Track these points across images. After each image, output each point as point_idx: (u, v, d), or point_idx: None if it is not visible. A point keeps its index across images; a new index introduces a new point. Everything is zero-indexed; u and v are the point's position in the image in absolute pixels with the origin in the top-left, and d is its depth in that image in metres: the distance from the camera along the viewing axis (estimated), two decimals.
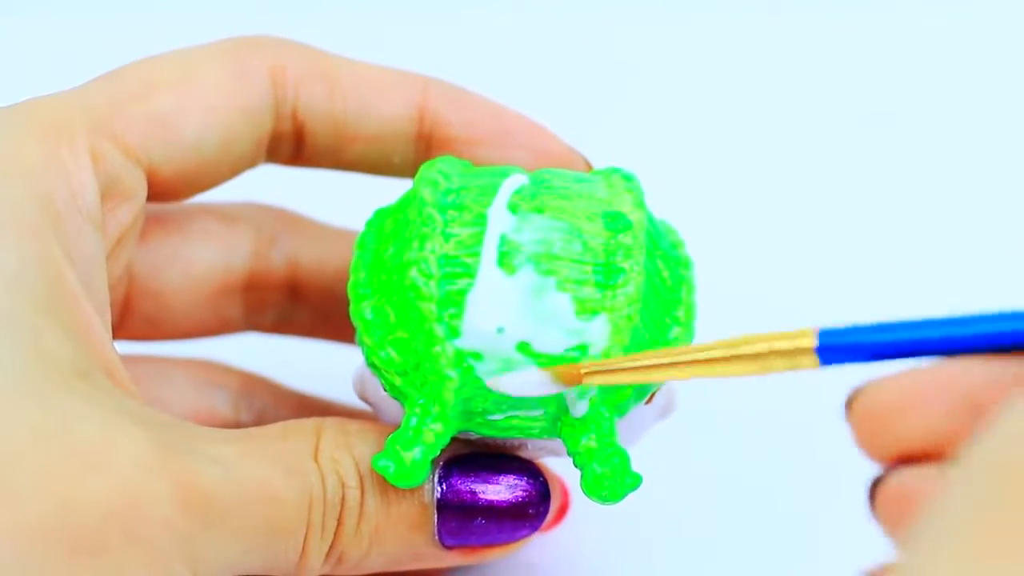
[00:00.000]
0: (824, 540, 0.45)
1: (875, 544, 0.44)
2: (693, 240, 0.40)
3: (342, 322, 0.44)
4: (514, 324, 0.35)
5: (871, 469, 0.46)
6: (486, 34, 0.60)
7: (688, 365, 0.33)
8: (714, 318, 0.41)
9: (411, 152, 0.42)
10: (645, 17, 0.62)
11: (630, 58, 0.61)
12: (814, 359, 0.31)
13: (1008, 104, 0.59)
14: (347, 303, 0.43)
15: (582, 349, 0.35)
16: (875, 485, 0.31)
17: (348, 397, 0.42)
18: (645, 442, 0.40)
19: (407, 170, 0.42)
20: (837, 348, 0.31)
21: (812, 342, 0.31)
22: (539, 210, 0.36)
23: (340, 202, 0.45)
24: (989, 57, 0.61)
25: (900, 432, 0.30)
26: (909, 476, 0.30)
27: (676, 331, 0.37)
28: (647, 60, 0.61)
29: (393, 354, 0.36)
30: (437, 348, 0.35)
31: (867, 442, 0.31)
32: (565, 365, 0.35)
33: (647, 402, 0.37)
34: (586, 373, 0.34)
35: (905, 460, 0.31)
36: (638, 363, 0.34)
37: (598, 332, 0.35)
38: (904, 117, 0.59)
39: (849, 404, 0.31)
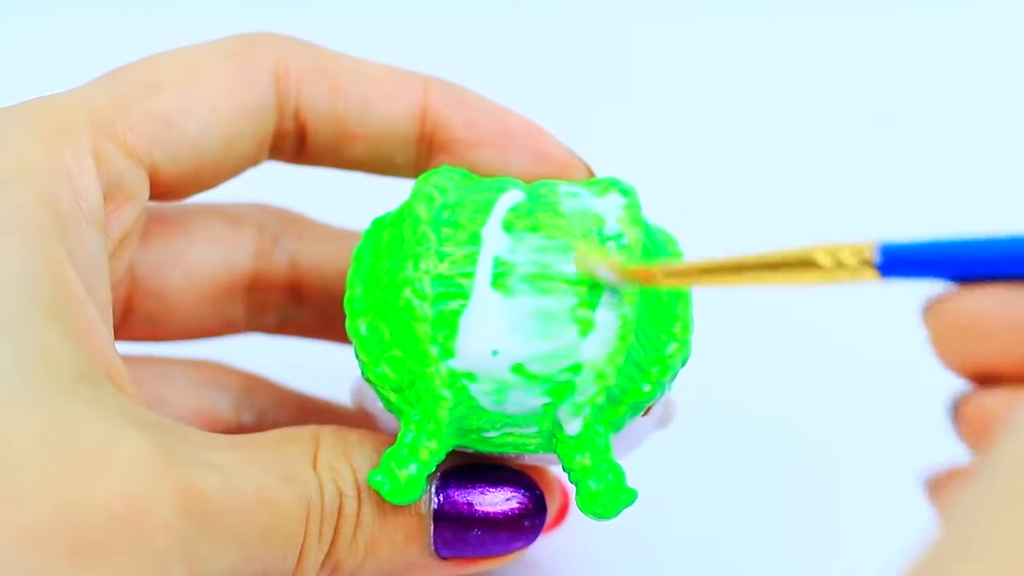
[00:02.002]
0: (822, 542, 0.45)
1: (868, 555, 0.44)
2: (692, 244, 0.40)
3: (344, 323, 0.44)
4: (508, 346, 0.35)
5: (870, 478, 0.46)
6: (486, 34, 0.60)
7: (754, 271, 0.33)
8: (718, 323, 0.41)
9: (412, 152, 0.41)
10: (646, 19, 0.61)
11: (631, 60, 0.61)
12: (875, 272, 0.31)
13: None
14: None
15: (575, 369, 0.35)
16: (957, 404, 0.31)
17: (348, 399, 0.42)
18: (647, 446, 0.40)
19: (408, 170, 0.41)
20: (898, 261, 0.31)
21: (874, 255, 0.31)
22: (534, 229, 0.36)
23: (343, 202, 0.45)
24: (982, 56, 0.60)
25: (976, 349, 0.30)
26: (989, 399, 0.30)
27: (672, 347, 0.37)
28: (648, 62, 0.61)
29: (388, 371, 0.36)
30: (431, 368, 0.35)
31: (943, 354, 0.31)
32: (641, 266, 0.35)
33: (644, 414, 0.37)
34: (661, 275, 0.34)
35: (981, 377, 0.30)
36: (708, 267, 0.34)
37: (592, 352, 0.35)
38: (907, 123, 0.59)
39: (927, 312, 0.31)
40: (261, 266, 0.44)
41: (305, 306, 0.45)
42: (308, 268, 0.44)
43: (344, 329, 0.44)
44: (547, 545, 0.44)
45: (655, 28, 0.61)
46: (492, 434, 0.36)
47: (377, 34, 0.59)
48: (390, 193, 0.41)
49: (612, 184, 0.37)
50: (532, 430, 0.36)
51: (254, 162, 0.42)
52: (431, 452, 0.35)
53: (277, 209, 0.45)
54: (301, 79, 0.40)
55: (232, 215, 0.44)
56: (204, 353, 0.45)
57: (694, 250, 0.40)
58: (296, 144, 0.42)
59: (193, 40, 0.41)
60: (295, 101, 0.41)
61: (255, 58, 0.40)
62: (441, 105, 0.41)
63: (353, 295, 0.37)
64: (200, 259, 0.43)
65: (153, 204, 0.41)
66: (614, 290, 0.35)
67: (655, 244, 0.38)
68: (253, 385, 0.45)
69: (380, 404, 0.37)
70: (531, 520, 0.37)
